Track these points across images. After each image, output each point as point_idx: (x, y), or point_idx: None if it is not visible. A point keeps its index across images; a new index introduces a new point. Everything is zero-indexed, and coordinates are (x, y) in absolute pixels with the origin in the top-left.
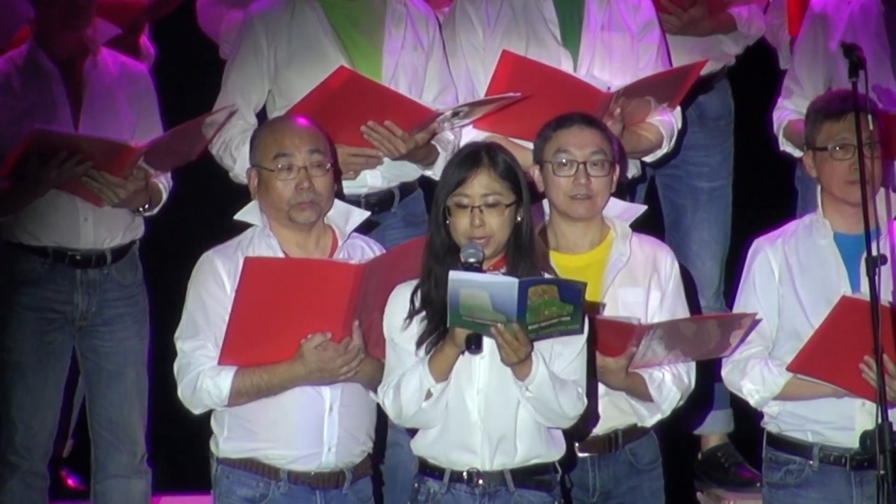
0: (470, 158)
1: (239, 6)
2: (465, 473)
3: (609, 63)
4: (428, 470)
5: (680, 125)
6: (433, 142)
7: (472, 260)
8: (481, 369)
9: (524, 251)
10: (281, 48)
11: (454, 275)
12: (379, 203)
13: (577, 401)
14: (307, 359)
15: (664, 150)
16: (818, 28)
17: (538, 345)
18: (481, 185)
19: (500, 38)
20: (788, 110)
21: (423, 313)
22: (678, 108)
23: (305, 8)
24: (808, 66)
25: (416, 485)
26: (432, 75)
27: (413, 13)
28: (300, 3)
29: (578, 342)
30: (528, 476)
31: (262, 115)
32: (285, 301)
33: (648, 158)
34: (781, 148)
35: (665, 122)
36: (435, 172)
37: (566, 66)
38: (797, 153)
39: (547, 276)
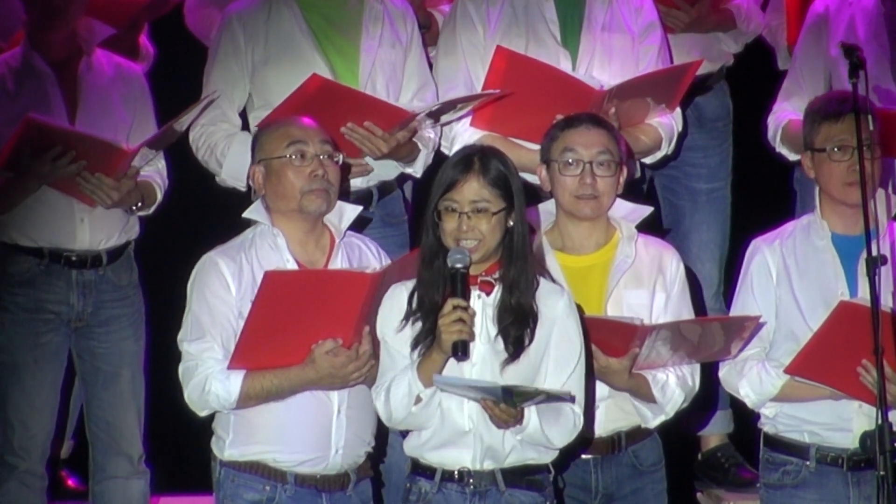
0: (462, 163)
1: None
2: (456, 473)
3: (609, 64)
4: (419, 470)
5: (680, 127)
6: (414, 139)
7: (458, 266)
8: (473, 376)
9: (516, 256)
10: (258, 47)
11: (437, 379)
12: (357, 203)
13: (572, 429)
14: (318, 364)
15: (663, 151)
16: (820, 29)
17: (534, 359)
18: (471, 190)
19: (500, 37)
20: (787, 111)
21: (418, 316)
22: (678, 111)
23: (282, 7)
24: (809, 67)
25: (408, 485)
26: (411, 72)
27: (391, 10)
28: (277, 2)
29: (573, 358)
30: (519, 476)
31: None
32: (299, 309)
33: (648, 160)
34: (778, 150)
35: (664, 123)
36: (416, 170)
37: (565, 66)
38: (793, 157)
39: (537, 389)
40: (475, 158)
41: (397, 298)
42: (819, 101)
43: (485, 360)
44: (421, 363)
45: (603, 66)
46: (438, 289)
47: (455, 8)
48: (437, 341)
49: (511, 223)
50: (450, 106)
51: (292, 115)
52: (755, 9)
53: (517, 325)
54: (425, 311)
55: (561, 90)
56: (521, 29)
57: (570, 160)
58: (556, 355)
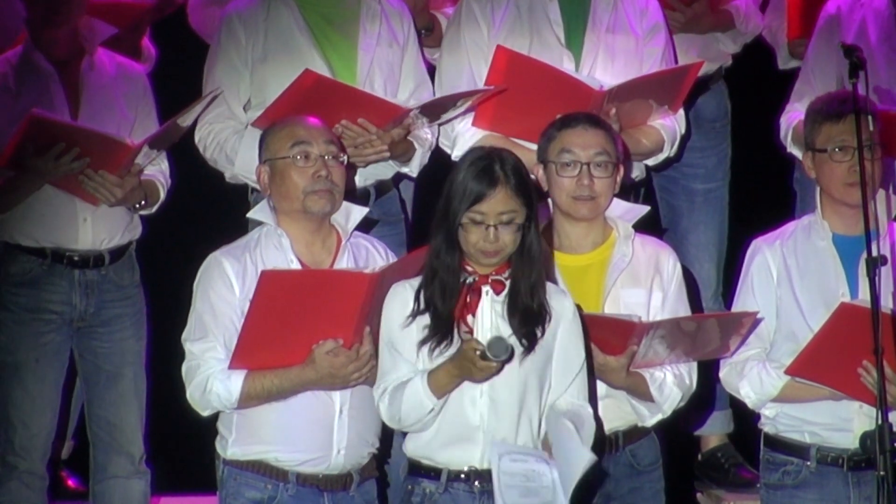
0: (486, 174)
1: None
2: (463, 473)
3: (612, 65)
4: (422, 471)
5: (683, 130)
6: (409, 138)
7: (499, 356)
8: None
9: (528, 257)
10: (257, 45)
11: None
12: (354, 202)
13: (594, 429)
14: (319, 364)
15: (665, 153)
16: (832, 31)
17: (547, 349)
18: (499, 202)
19: (503, 37)
20: (799, 112)
21: (425, 316)
22: (682, 113)
23: (280, 6)
24: (820, 68)
25: (409, 486)
26: (407, 71)
27: (387, 9)
28: (275, 1)
29: (578, 362)
30: None
31: None
32: (299, 309)
33: (650, 162)
34: (788, 150)
35: (667, 126)
36: (411, 169)
37: (568, 67)
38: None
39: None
40: (496, 167)
41: (401, 297)
42: (820, 101)
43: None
44: (437, 378)
45: (606, 67)
46: (453, 297)
47: (460, 7)
48: (462, 369)
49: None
50: (445, 102)
51: (286, 111)
52: (754, 9)
53: (528, 324)
54: (440, 316)
55: (561, 90)
56: (525, 29)
57: (568, 161)
58: (561, 359)
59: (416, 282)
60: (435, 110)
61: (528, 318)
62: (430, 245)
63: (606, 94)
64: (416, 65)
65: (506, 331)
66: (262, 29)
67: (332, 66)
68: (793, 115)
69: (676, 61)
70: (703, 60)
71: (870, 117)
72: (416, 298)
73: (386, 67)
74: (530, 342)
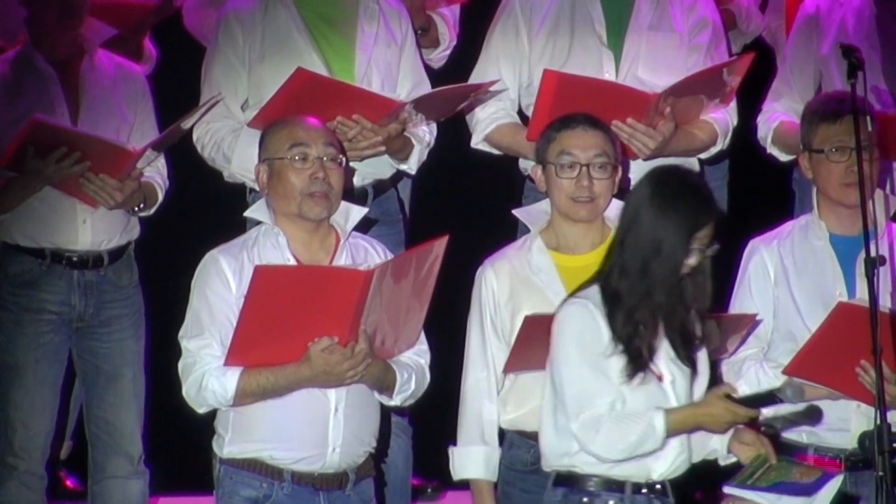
0: (704, 199)
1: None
2: (644, 486)
3: (654, 63)
4: (599, 484)
5: (735, 122)
6: (407, 134)
7: (795, 401)
8: (671, 393)
9: (703, 276)
10: (255, 45)
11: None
12: (352, 202)
13: None
14: (314, 361)
15: (718, 147)
16: (811, 29)
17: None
18: (712, 225)
19: (545, 37)
20: (779, 112)
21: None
22: (733, 105)
23: (278, 5)
24: (799, 67)
25: (583, 499)
26: (405, 71)
27: (385, 9)
28: (273, 0)
29: (705, 375)
30: (675, 485)
31: None
32: (294, 306)
33: (704, 155)
34: (769, 150)
35: (719, 119)
36: (410, 166)
37: (608, 66)
38: (783, 157)
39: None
40: (704, 191)
41: (589, 316)
42: (817, 101)
43: (676, 379)
44: (675, 419)
45: (647, 66)
46: (656, 323)
47: (503, 8)
48: (711, 417)
49: None
50: (440, 97)
51: (281, 111)
52: (755, 9)
53: (689, 344)
54: (640, 352)
55: (615, 100)
56: (567, 29)
57: (567, 163)
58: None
59: (593, 298)
60: (431, 106)
61: (689, 338)
62: (626, 275)
63: (661, 96)
64: (413, 64)
65: (669, 351)
66: (260, 29)
67: (330, 65)
68: (772, 115)
69: (730, 53)
70: (753, 52)
71: (868, 117)
72: (615, 331)
73: (384, 67)
74: (693, 367)
